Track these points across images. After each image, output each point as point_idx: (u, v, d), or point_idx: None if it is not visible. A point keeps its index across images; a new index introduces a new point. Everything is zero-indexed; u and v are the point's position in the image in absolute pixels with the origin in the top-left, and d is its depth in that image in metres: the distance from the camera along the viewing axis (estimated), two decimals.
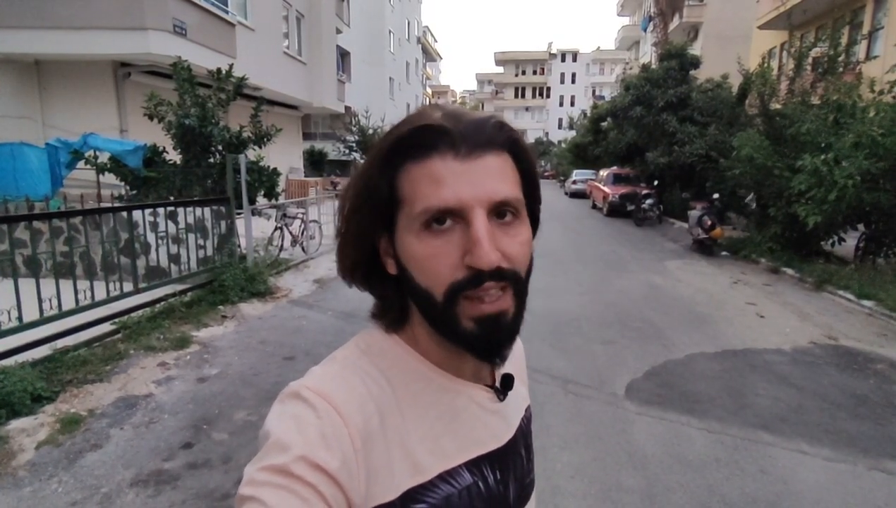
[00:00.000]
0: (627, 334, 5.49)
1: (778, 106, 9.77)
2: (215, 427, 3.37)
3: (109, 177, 7.05)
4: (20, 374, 3.54)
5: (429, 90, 64.15)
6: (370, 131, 25.87)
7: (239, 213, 6.74)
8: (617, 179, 18.26)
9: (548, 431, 3.46)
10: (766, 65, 11.88)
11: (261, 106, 7.26)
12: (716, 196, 11.06)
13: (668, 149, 14.79)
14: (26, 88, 11.00)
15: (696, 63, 15.86)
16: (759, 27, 19.84)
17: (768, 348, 5.16)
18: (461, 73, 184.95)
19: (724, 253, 10.25)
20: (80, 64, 10.69)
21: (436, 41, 56.16)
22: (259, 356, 4.60)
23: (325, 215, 10.13)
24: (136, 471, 2.91)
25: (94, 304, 4.37)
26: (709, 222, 10.05)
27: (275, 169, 7.34)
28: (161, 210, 6.04)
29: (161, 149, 7.05)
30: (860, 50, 14.07)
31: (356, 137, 25.88)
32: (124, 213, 5.31)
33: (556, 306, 6.49)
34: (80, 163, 6.87)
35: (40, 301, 3.95)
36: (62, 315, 4.10)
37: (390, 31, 34.58)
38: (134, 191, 6.89)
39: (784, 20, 16.55)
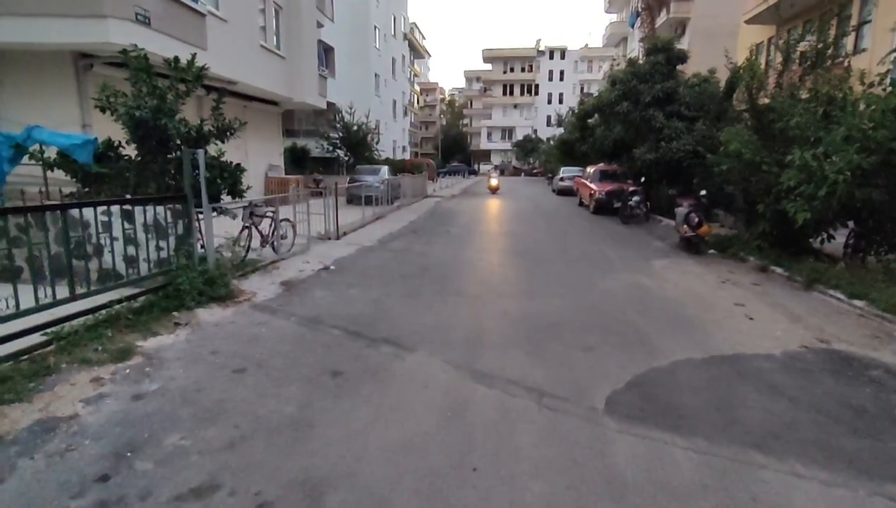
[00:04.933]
0: (610, 339, 5.16)
1: (766, 100, 9.50)
2: (140, 455, 2.97)
3: (62, 173, 6.58)
4: None
5: (416, 87, 63.62)
6: (354, 128, 25.40)
7: (199, 212, 6.30)
8: (604, 176, 18.02)
9: (518, 455, 3.10)
10: (753, 58, 11.62)
11: (222, 98, 6.81)
12: (703, 193, 10.81)
13: (654, 145, 14.54)
14: None
15: (683, 57, 15.62)
16: (747, 21, 19.69)
17: (758, 353, 4.85)
18: (450, 71, 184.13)
19: (711, 251, 9.99)
20: (38, 54, 10.15)
21: (423, 38, 55.64)
22: (207, 368, 4.19)
23: (300, 213, 9.70)
24: None
25: (20, 313, 3.92)
26: (696, 219, 9.77)
27: (238, 165, 6.90)
28: (115, 208, 5.60)
29: (117, 143, 6.59)
30: (848, 43, 13.90)
31: (340, 134, 25.38)
32: (74, 212, 4.90)
33: (534, 309, 6.15)
34: (26, 158, 6.38)
35: None
36: None
37: (376, 27, 34.06)
38: (86, 189, 6.43)
39: (772, 14, 16.38)
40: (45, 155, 6.23)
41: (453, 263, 8.87)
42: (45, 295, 4.17)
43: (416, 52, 51.65)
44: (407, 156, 44.92)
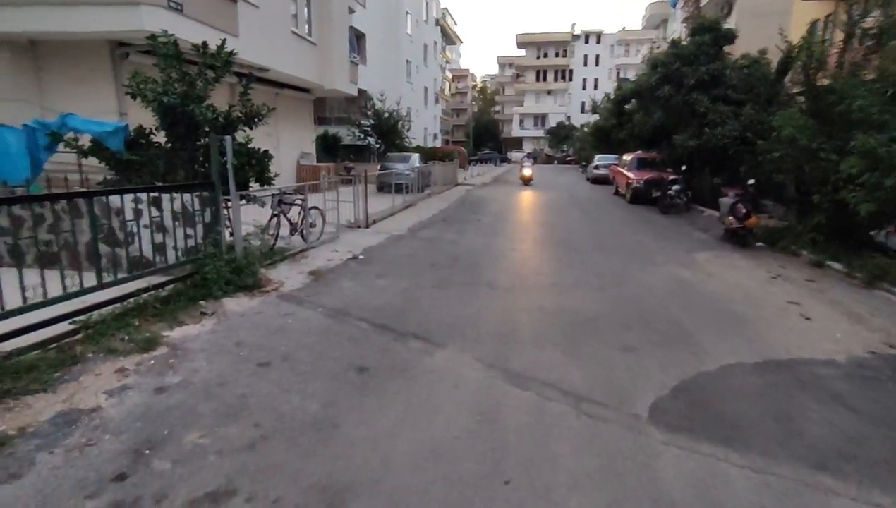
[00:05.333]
0: (651, 338, 4.83)
1: (825, 81, 8.79)
2: (159, 453, 2.87)
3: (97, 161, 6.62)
4: None
5: (448, 73, 62.93)
6: (385, 115, 25.23)
7: (227, 200, 6.23)
8: (641, 164, 17.32)
9: (554, 464, 2.86)
10: (811, 36, 10.79)
11: (250, 83, 6.69)
12: (751, 181, 10.16)
13: (697, 131, 13.79)
14: (22, 70, 10.65)
15: (730, 37, 14.70)
16: None
17: (818, 358, 4.44)
18: (482, 57, 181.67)
19: (759, 244, 9.39)
20: (76, 44, 10.30)
21: (455, 24, 54.85)
22: (231, 361, 4.09)
23: (330, 201, 9.60)
24: None
25: (47, 302, 3.89)
26: (743, 210, 9.19)
27: (265, 151, 6.79)
28: (143, 196, 5.59)
29: (148, 130, 6.58)
30: None
31: (371, 121, 25.26)
32: (104, 199, 4.89)
33: (570, 303, 5.85)
34: (61, 146, 6.43)
35: None
36: (4, 315, 3.63)
37: (407, 13, 33.68)
38: (118, 176, 6.45)
39: None
40: (80, 142, 6.25)
41: (484, 253, 8.61)
42: (73, 284, 4.13)
43: (448, 38, 51.00)
44: (438, 143, 44.59)
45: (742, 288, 6.64)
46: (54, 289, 4.00)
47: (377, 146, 25.45)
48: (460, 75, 79.81)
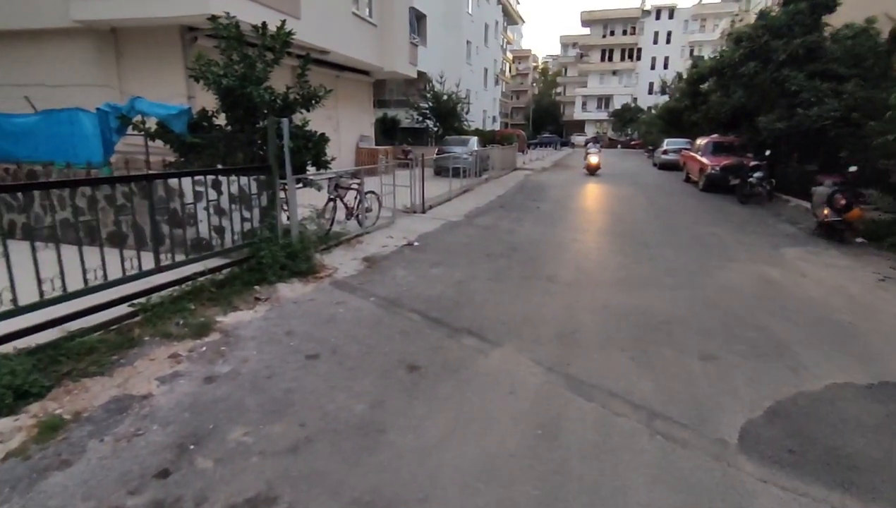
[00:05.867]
0: (736, 347, 4.28)
1: None
2: (203, 450, 2.76)
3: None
4: (11, 365, 3.13)
5: (509, 54, 61.41)
6: (444, 97, 24.87)
7: (283, 183, 6.17)
8: (718, 148, 16.00)
9: (625, 497, 2.50)
10: None
11: (307, 64, 6.55)
12: (853, 168, 9.00)
13: (787, 112, 12.44)
14: (105, 56, 11.20)
15: (831, 5, 13.06)
16: None
17: None
18: (544, 37, 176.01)
19: (860, 240, 8.32)
20: (152, 30, 10.67)
21: (518, 2, 53.17)
22: (280, 351, 3.98)
23: (386, 185, 9.45)
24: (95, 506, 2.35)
25: (106, 284, 3.92)
26: (843, 200, 8.15)
27: (322, 134, 6.66)
28: (204, 178, 5.61)
29: (210, 113, 6.62)
30: None
31: (429, 104, 25.00)
32: (169, 181, 4.96)
33: (638, 302, 5.35)
34: (130, 129, 6.61)
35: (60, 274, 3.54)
36: (67, 297, 3.67)
37: None
38: (182, 159, 6.54)
39: None
40: (147, 125, 6.39)
41: (544, 243, 8.16)
42: (132, 267, 4.15)
43: (510, 17, 49.54)
44: (497, 126, 43.72)
45: (844, 292, 5.84)
46: (114, 271, 4.02)
47: (435, 129, 25.19)
48: (521, 56, 77.76)
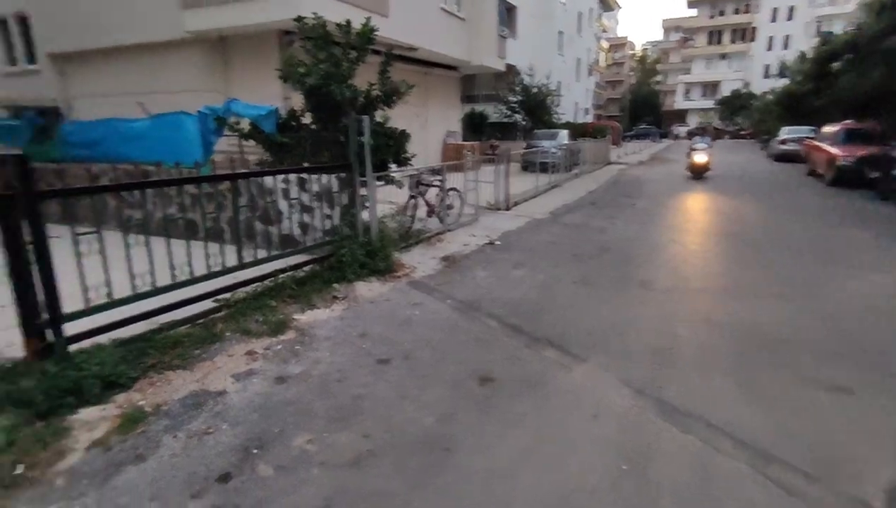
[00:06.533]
0: (875, 379, 3.52)
1: None
2: (266, 455, 2.72)
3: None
4: (101, 356, 3.33)
5: (604, 43, 58.55)
6: (534, 90, 24.16)
7: (364, 181, 6.17)
8: (851, 136, 13.91)
9: None
10: None
11: (389, 60, 6.50)
12: None
13: None
14: (214, 64, 12.09)
15: None
16: None
17: None
18: (643, 23, 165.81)
19: None
20: (254, 36, 11.32)
21: None
22: (353, 354, 3.91)
23: (470, 182, 9.23)
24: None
25: (191, 280, 4.09)
26: None
27: (403, 131, 6.59)
28: (290, 177, 5.78)
29: (299, 113, 6.81)
30: None
31: (519, 98, 24.41)
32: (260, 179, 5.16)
33: (747, 316, 4.65)
34: (226, 130, 6.99)
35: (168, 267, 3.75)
36: (158, 291, 3.87)
37: None
38: (272, 158, 6.80)
39: None
40: (240, 126, 6.71)
41: (638, 244, 7.49)
42: (215, 263, 4.30)
43: (605, 3, 47.12)
44: (589, 118, 41.84)
45: None
46: (199, 267, 4.19)
47: (524, 123, 24.57)
48: (617, 44, 73.84)
